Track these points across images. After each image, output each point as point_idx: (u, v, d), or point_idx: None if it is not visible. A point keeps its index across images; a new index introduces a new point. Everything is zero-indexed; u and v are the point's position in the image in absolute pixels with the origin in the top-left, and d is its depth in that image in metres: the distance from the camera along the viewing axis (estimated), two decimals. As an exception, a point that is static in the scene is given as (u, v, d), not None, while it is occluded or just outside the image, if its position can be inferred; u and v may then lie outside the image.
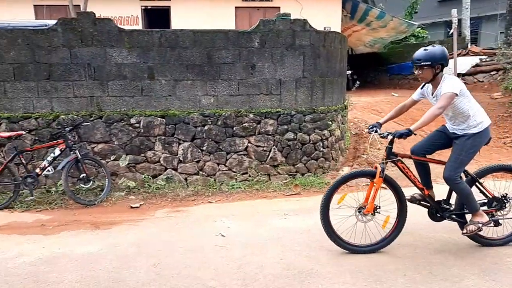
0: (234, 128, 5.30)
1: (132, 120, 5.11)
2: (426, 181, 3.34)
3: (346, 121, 6.67)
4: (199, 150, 5.28)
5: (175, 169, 5.27)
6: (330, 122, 5.61)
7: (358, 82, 10.67)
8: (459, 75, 11.69)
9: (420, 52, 3.02)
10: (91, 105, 5.02)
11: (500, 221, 3.24)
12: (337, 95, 5.92)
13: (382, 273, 2.90)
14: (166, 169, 5.25)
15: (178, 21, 10.87)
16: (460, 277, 2.83)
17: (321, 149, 5.54)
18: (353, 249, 3.21)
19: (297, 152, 5.44)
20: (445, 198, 3.30)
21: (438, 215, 3.27)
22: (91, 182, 4.75)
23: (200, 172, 5.32)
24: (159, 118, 5.15)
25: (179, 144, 5.25)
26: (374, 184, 3.10)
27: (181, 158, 5.26)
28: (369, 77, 15.32)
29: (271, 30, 5.15)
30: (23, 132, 4.76)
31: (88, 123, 4.94)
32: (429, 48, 3.02)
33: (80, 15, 4.88)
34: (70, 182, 4.63)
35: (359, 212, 3.17)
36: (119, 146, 5.13)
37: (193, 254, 3.26)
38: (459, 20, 13.12)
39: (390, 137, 3.03)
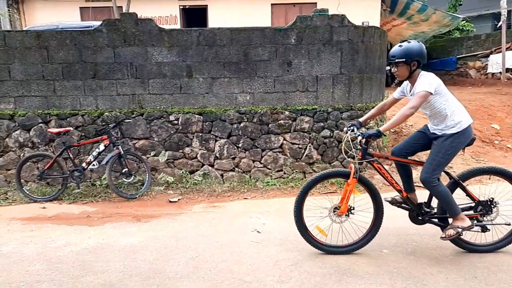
0: (270, 125, 5.31)
1: (171, 117, 5.26)
2: (407, 183, 3.24)
3: (384, 119, 6.48)
4: (235, 147, 5.34)
5: (212, 165, 5.37)
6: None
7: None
8: (508, 70, 11.01)
9: (395, 49, 2.94)
10: (132, 102, 5.22)
11: (488, 226, 3.08)
12: (376, 92, 5.77)
13: (422, 275, 2.81)
14: (203, 165, 5.36)
15: (215, 19, 11.03)
16: None
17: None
18: (327, 249, 3.18)
19: (333, 150, 5.37)
20: (426, 201, 3.18)
21: (420, 218, 3.16)
22: (133, 176, 4.95)
23: (236, 169, 5.38)
24: (196, 115, 5.26)
25: (216, 140, 5.34)
26: (349, 185, 3.04)
27: (217, 155, 5.35)
28: (409, 73, 14.74)
29: (308, 26, 5.10)
30: (71, 128, 5.04)
31: (130, 120, 5.14)
32: (404, 44, 2.92)
33: (123, 16, 5.07)
34: (113, 176, 4.84)
35: (334, 212, 3.13)
36: (159, 142, 5.30)
37: (229, 249, 3.31)
38: (509, 12, 12.32)
39: (359, 138, 2.94)
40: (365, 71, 5.42)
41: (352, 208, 3.12)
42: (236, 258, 3.15)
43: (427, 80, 2.86)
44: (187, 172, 5.31)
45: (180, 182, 5.26)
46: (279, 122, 5.29)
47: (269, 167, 5.38)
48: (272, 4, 11.25)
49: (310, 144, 5.34)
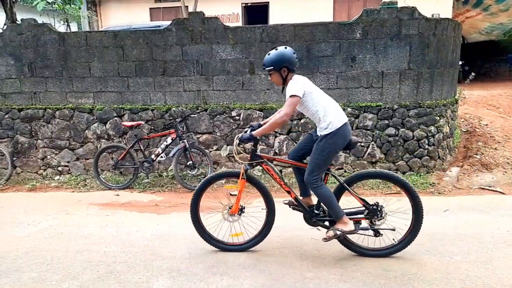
0: (331, 122, 5.21)
1: (233, 113, 5.39)
2: (302, 187, 3.22)
3: (456, 117, 6.06)
4: (295, 143, 5.33)
5: (271, 161, 5.40)
6: (438, 118, 5.16)
7: (473, 74, 9.55)
8: None
9: (265, 57, 2.97)
10: (197, 98, 5.44)
11: (381, 231, 3.02)
12: (447, 88, 5.41)
13: (500, 286, 2.60)
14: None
15: (276, 16, 11.06)
16: None
17: (426, 146, 5.14)
18: (224, 247, 3.23)
19: (398, 149, 5.14)
20: (316, 203, 3.15)
21: (311, 220, 3.12)
22: (196, 169, 5.16)
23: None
24: (257, 111, 5.33)
25: (275, 136, 5.38)
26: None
27: (276, 150, 5.38)
28: (483, 68, 13.57)
29: (375, 20, 4.91)
30: (142, 122, 5.39)
31: (195, 115, 5.37)
32: (272, 52, 2.95)
33: (191, 15, 5.29)
34: (179, 168, 5.10)
35: (227, 212, 3.19)
36: (221, 137, 5.46)
37: (290, 244, 3.33)
38: None
39: (236, 141, 2.99)
40: (436, 66, 5.10)
41: (243, 207, 3.21)
42: (297, 253, 3.17)
43: (295, 85, 2.87)
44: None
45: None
46: (341, 119, 5.17)
47: (329, 164, 5.29)
48: (335, -1, 11.02)
49: (373, 142, 5.16)
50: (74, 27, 13.91)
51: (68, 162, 5.74)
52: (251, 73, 5.29)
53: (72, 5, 11.96)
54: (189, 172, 5.12)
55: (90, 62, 5.49)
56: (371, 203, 3.01)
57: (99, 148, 5.43)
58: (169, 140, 5.05)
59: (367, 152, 5.19)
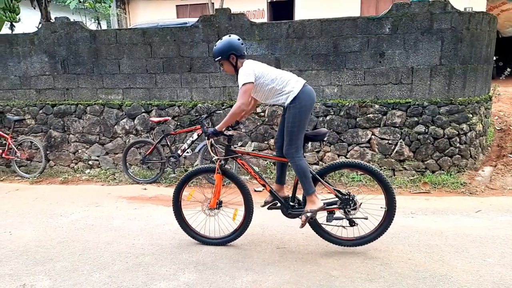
0: (358, 119, 5.13)
1: (258, 109, 5.39)
2: (280, 175, 3.28)
3: (489, 115, 5.82)
4: (322, 140, 5.28)
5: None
6: (471, 115, 4.97)
7: (508, 69, 9.13)
8: None
9: (213, 49, 3.04)
10: (223, 95, 5.48)
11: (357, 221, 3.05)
12: (481, 85, 5.19)
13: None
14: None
15: (302, 12, 10.96)
16: None
17: (458, 145, 4.97)
18: (206, 241, 3.31)
19: (427, 147, 4.99)
20: (290, 195, 3.19)
21: (288, 211, 3.15)
22: (221, 165, 5.20)
23: (320, 162, 5.33)
24: (282, 108, 5.30)
25: (301, 133, 5.33)
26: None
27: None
28: (519, 64, 12.94)
29: (405, 14, 4.78)
30: (169, 118, 5.48)
31: (221, 111, 5.41)
32: (217, 42, 3.01)
33: (218, 12, 5.32)
34: (204, 163, 5.16)
35: (206, 206, 3.26)
36: (246, 133, 5.48)
37: (315, 242, 3.31)
38: None
39: (205, 136, 3.05)
40: (470, 61, 4.91)
41: (221, 202, 3.27)
42: (322, 251, 3.14)
43: (244, 71, 2.88)
44: (271, 163, 5.42)
45: (265, 172, 5.39)
46: (368, 116, 5.08)
47: (355, 162, 5.21)
48: (362, -6, 10.80)
49: (401, 140, 5.04)
50: (103, 25, 14.30)
51: (98, 156, 5.92)
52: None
53: (103, 3, 12.29)
54: (214, 167, 5.16)
55: (119, 59, 5.63)
56: (344, 193, 3.05)
57: (128, 143, 5.57)
58: (195, 136, 5.11)
59: (395, 150, 5.07)
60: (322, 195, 3.14)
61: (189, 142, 5.15)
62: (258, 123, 5.43)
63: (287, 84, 2.94)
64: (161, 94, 5.63)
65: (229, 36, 3.02)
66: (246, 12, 11.05)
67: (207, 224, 3.34)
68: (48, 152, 5.97)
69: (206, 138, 3.12)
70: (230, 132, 3.26)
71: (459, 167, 5.03)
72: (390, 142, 5.09)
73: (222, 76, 5.42)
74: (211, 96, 5.51)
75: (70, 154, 6.01)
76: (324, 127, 5.22)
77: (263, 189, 4.89)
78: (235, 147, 3.53)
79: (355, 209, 3.01)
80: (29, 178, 5.68)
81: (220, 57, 2.99)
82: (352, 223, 3.05)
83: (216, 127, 3.04)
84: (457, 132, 4.94)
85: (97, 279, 2.80)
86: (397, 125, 5.03)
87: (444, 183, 4.78)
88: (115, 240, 3.47)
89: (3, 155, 5.78)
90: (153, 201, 4.62)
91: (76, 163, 6.02)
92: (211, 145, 3.32)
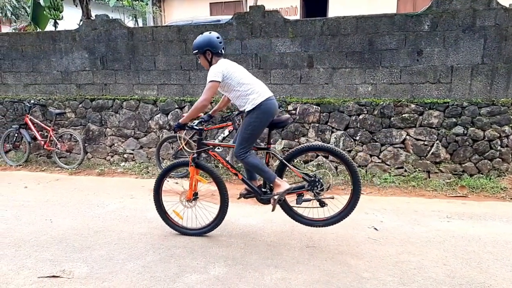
0: (392, 119, 5.00)
1: (289, 107, 5.37)
2: (248, 170, 3.36)
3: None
4: (352, 140, 5.20)
5: (326, 157, 5.33)
6: (514, 117, 4.73)
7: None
8: None
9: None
10: (255, 91, 5.49)
11: (326, 201, 3.15)
12: (527, 85, 4.91)
13: None
14: (317, 156, 5.36)
15: (336, 8, 10.79)
16: None
17: (498, 147, 4.74)
18: (183, 231, 3.49)
19: (466, 149, 4.79)
20: (262, 183, 3.27)
21: (261, 197, 3.25)
22: (251, 161, 5.23)
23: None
24: (314, 106, 5.26)
25: (332, 132, 5.27)
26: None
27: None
28: None
29: (446, 10, 4.60)
30: (201, 114, 5.54)
31: (252, 108, 5.43)
32: (198, 36, 3.17)
33: (252, 9, 5.33)
34: (234, 160, 5.19)
35: (183, 198, 3.42)
36: (276, 131, 5.47)
37: (345, 242, 3.27)
38: None
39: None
40: (515, 60, 4.66)
41: (196, 193, 3.41)
42: (353, 252, 3.10)
43: (214, 70, 3.01)
44: (301, 162, 5.39)
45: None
46: (403, 115, 4.94)
47: (388, 163, 5.09)
48: (399, -11, 10.49)
49: (438, 141, 4.87)
50: (140, 23, 14.71)
51: (132, 150, 6.12)
52: (310, 67, 5.23)
53: (140, 1, 12.65)
54: (244, 164, 5.20)
55: (155, 56, 5.77)
56: (310, 175, 3.14)
57: (161, 138, 5.72)
58: (226, 132, 5.16)
59: (431, 151, 4.91)
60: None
61: (220, 138, 5.21)
62: (289, 121, 5.39)
63: (252, 92, 3.06)
64: (194, 90, 5.73)
65: (210, 33, 3.19)
66: (279, 9, 11.07)
67: (185, 215, 3.52)
68: (86, 144, 6.23)
69: (173, 131, 3.34)
70: (200, 126, 3.38)
71: (500, 171, 4.79)
72: (425, 143, 4.93)
73: (254, 73, 5.40)
74: (243, 93, 5.54)
75: (107, 147, 6.24)
76: (357, 126, 5.13)
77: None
78: (211, 140, 3.65)
79: (322, 190, 3.11)
80: (68, 169, 5.96)
81: (197, 51, 3.16)
82: (322, 204, 3.16)
83: (180, 120, 3.21)
84: (498, 135, 4.71)
85: (131, 268, 2.90)
86: (434, 126, 4.86)
87: (483, 187, 4.58)
88: (148, 232, 3.58)
89: (45, 146, 6.09)
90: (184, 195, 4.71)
91: (112, 156, 6.25)
92: (183, 139, 3.49)
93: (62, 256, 3.11)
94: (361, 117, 5.11)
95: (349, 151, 5.23)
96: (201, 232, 3.46)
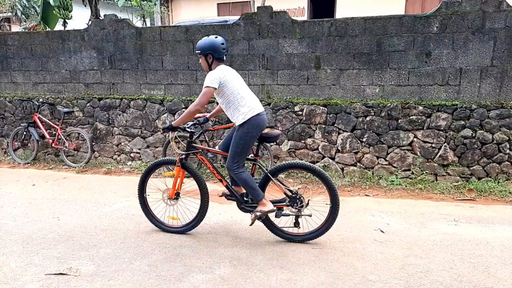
0: (399, 121, 4.97)
1: (296, 108, 5.36)
2: (232, 177, 3.38)
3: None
4: (359, 141, 5.17)
5: (332, 158, 5.31)
6: (524, 120, 4.67)
7: None
8: None
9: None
10: (261, 92, 5.50)
11: (303, 217, 3.21)
12: (537, 88, 4.86)
13: None
14: (323, 157, 5.35)
15: (343, 9, 10.75)
16: None
17: (507, 151, 4.68)
18: (165, 229, 3.56)
19: (474, 152, 4.75)
20: (244, 192, 3.30)
21: (242, 206, 3.30)
22: (257, 162, 5.23)
23: (358, 164, 5.22)
24: (321, 107, 5.25)
25: (339, 133, 5.25)
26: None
27: (339, 148, 5.26)
28: None
29: (455, 12, 4.56)
30: (208, 114, 5.56)
31: (258, 109, 5.43)
32: (204, 38, 3.15)
33: (259, 9, 5.34)
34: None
35: (166, 196, 3.48)
36: (282, 131, 5.47)
37: (352, 244, 3.26)
38: None
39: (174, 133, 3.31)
40: (525, 63, 4.61)
41: (179, 193, 3.48)
42: (359, 254, 3.08)
43: (211, 76, 3.01)
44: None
45: (300, 172, 5.35)
46: (411, 117, 4.91)
47: (394, 165, 5.06)
48: (407, -9, 10.43)
49: (445, 144, 4.83)
50: (147, 23, 14.80)
51: (139, 149, 6.15)
52: (317, 68, 5.22)
53: (148, 2, 12.72)
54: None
55: (162, 55, 5.80)
56: (292, 191, 3.20)
57: (168, 138, 5.73)
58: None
59: (438, 154, 4.87)
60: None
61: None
62: (296, 122, 5.40)
63: (244, 105, 3.08)
64: (201, 90, 5.70)
65: (216, 37, 3.17)
66: (286, 10, 11.06)
67: (166, 212, 3.58)
68: (93, 143, 6.28)
69: (163, 132, 3.38)
70: (192, 129, 3.42)
71: (508, 175, 4.74)
72: (433, 145, 4.89)
73: (261, 74, 5.44)
74: (250, 94, 5.54)
75: (114, 146, 6.28)
76: (364, 128, 5.11)
77: (298, 189, 4.88)
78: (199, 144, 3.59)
79: (301, 206, 3.17)
80: (75, 168, 6.00)
81: (199, 52, 3.16)
82: (297, 223, 3.22)
83: (172, 123, 3.24)
84: (507, 138, 4.66)
85: (137, 267, 2.91)
86: (442, 128, 4.82)
87: (491, 191, 4.53)
88: (154, 230, 3.59)
89: (53, 145, 6.15)
90: (191, 195, 4.68)
91: (118, 155, 6.29)
92: (175, 139, 3.62)
93: (69, 254, 3.14)
94: (368, 118, 5.09)
95: (356, 153, 5.21)
96: (183, 230, 3.53)
